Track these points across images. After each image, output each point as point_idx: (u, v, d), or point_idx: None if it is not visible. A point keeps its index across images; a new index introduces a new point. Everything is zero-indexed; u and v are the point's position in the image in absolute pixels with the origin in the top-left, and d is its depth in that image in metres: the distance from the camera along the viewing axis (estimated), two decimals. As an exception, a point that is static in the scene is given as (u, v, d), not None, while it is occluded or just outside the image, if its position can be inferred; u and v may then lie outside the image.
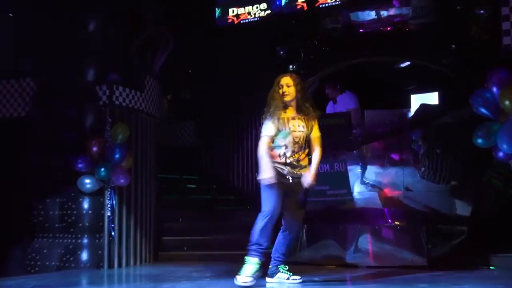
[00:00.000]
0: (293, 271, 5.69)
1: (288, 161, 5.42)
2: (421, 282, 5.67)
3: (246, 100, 9.86)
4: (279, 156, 5.43)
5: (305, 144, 5.49)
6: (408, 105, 9.58)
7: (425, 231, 6.99)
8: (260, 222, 5.40)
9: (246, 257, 5.46)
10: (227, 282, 5.75)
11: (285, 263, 5.66)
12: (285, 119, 5.47)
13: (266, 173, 5.33)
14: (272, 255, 5.65)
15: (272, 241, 5.58)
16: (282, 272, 5.62)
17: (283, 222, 5.61)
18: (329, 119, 7.82)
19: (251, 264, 5.41)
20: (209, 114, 10.91)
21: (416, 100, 9.56)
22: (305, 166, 5.49)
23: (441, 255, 7.02)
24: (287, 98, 5.50)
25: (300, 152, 5.46)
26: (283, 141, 5.43)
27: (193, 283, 5.84)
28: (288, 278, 5.59)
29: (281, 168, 5.42)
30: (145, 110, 7.86)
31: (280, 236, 5.65)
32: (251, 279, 5.36)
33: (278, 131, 5.42)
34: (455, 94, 8.29)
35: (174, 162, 10.52)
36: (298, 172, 5.45)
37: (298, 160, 5.44)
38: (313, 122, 5.55)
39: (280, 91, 5.51)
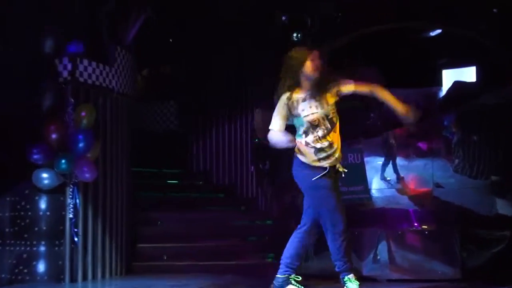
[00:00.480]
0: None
1: (318, 146, 5.43)
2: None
3: (241, 75, 9.84)
4: (307, 144, 5.45)
5: (332, 124, 5.54)
6: (438, 82, 9.57)
7: (459, 237, 7.00)
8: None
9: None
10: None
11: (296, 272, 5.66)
12: (294, 102, 5.47)
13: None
14: (281, 262, 5.63)
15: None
16: (294, 285, 5.59)
17: (310, 219, 5.59)
18: (341, 101, 7.79)
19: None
20: (194, 93, 10.88)
21: (449, 77, 9.53)
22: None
23: (478, 265, 7.03)
24: (310, 76, 5.50)
25: (331, 134, 5.52)
26: (302, 129, 5.48)
27: (175, 300, 5.84)
28: None
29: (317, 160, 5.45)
30: (115, 88, 7.83)
31: (301, 235, 5.63)
32: None
33: (293, 116, 5.45)
34: (497, 69, 8.27)
35: (152, 152, 10.51)
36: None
37: (331, 144, 5.46)
38: (334, 90, 5.58)
39: (312, 65, 5.49)
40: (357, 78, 8.62)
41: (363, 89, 5.57)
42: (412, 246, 7.08)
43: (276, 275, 5.59)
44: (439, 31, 9.71)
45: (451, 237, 7.01)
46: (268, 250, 8.48)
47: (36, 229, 7.29)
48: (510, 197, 7.35)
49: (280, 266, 5.61)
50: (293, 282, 5.62)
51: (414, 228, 7.18)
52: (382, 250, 7.08)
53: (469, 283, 6.59)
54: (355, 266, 7.06)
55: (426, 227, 7.18)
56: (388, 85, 8.00)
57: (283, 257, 5.61)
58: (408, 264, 7.01)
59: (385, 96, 5.53)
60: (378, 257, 7.09)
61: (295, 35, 9.36)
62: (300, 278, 5.66)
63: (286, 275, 5.58)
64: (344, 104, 7.83)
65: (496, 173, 7.33)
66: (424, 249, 7.05)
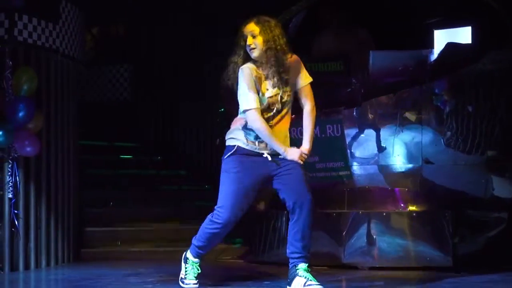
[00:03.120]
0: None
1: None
2: (444, 288, 5.80)
3: (204, 35, 9.83)
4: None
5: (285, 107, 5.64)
6: (429, 44, 9.59)
7: (451, 219, 7.10)
8: None
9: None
10: (177, 289, 5.81)
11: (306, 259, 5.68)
12: (257, 79, 5.54)
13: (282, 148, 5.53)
14: (288, 254, 5.67)
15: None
16: (301, 276, 5.62)
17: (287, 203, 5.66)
18: (320, 64, 7.83)
19: None
20: (150, 55, 10.86)
21: (441, 38, 9.57)
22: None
23: (472, 251, 7.14)
24: (254, 54, 5.54)
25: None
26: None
27: (130, 291, 5.89)
28: (305, 284, 5.59)
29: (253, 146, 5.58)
30: (60, 49, 7.79)
31: (290, 224, 5.70)
32: None
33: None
34: (496, 29, 8.33)
35: (102, 123, 10.51)
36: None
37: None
38: (296, 70, 5.61)
39: (244, 43, 5.56)
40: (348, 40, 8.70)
41: (305, 99, 5.65)
42: (397, 230, 7.17)
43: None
44: (430, -15, 9.74)
45: (441, 220, 7.11)
46: (235, 235, 8.54)
47: (-31, 211, 7.29)
48: (508, 175, 7.45)
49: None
50: (299, 273, 5.58)
51: (400, 209, 7.27)
52: (364, 234, 7.17)
53: (460, 271, 6.70)
54: (334, 253, 7.20)
55: (413, 208, 7.27)
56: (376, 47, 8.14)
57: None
58: (393, 250, 7.11)
59: (308, 126, 5.66)
60: (360, 243, 7.17)
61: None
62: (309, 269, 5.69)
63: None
64: (322, 68, 7.89)
65: (493, 148, 7.40)
66: (411, 233, 7.15)
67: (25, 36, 7.41)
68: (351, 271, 6.94)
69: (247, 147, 5.55)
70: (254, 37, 5.52)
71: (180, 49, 10.47)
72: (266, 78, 5.55)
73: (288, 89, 5.57)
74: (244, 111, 5.51)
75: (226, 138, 5.68)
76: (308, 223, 5.54)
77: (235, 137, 5.60)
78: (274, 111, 5.55)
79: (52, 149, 7.75)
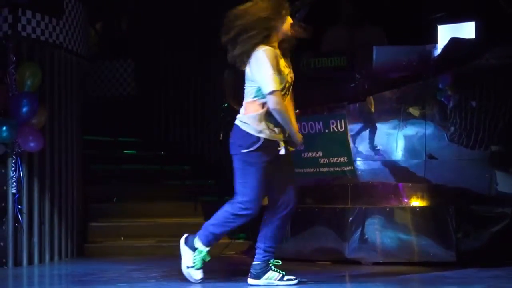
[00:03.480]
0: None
1: None
2: (447, 283, 5.78)
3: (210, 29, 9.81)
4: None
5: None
6: (433, 39, 9.58)
7: (454, 215, 7.10)
8: None
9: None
10: (181, 284, 5.79)
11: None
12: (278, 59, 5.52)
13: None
14: (258, 246, 5.69)
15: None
16: (274, 270, 5.65)
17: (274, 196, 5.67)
18: (324, 58, 7.82)
19: None
20: (153, 51, 10.86)
21: (445, 33, 9.55)
22: None
23: (476, 247, 7.15)
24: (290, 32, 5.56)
25: None
26: None
27: (133, 286, 5.87)
28: (282, 279, 5.62)
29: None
30: (64, 44, 7.79)
31: (268, 217, 5.70)
32: None
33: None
34: (501, 24, 8.31)
35: (106, 118, 10.52)
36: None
37: None
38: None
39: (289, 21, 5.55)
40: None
41: None
42: (401, 225, 7.18)
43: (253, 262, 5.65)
44: (434, -20, 9.73)
45: (445, 215, 7.11)
46: (239, 230, 8.53)
47: (-27, 206, 7.30)
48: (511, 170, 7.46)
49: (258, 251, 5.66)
50: (273, 267, 5.67)
51: (403, 204, 7.27)
52: (368, 229, 7.17)
53: (464, 266, 6.69)
54: (337, 248, 7.20)
55: (417, 203, 7.27)
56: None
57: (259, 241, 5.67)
58: (396, 246, 7.12)
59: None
60: (363, 238, 7.18)
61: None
62: (280, 262, 5.71)
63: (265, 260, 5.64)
64: (326, 63, 7.88)
65: (497, 143, 7.41)
66: (414, 228, 7.15)
67: (29, 31, 7.42)
68: (355, 266, 6.94)
69: (270, 138, 5.47)
70: (288, 17, 5.55)
71: (183, 44, 10.46)
72: (282, 56, 5.54)
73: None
74: (270, 93, 5.37)
75: (242, 123, 5.49)
76: (287, 223, 5.77)
77: (259, 128, 5.44)
78: (285, 91, 5.51)
79: (56, 144, 7.75)
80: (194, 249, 5.71)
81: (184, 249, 5.76)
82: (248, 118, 5.46)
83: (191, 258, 5.70)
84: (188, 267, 5.72)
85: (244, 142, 5.47)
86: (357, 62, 7.96)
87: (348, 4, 8.92)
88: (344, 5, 8.89)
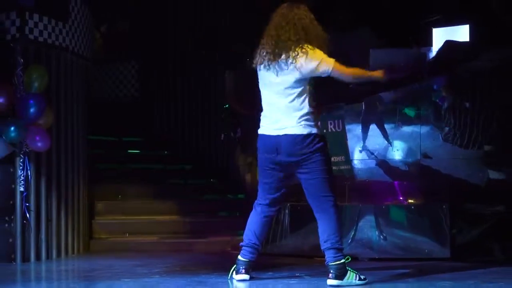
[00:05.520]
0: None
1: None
2: (442, 279, 5.81)
3: (211, 33, 9.85)
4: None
5: None
6: (428, 42, 9.61)
7: (449, 212, 7.13)
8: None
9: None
10: (183, 279, 5.83)
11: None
12: None
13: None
14: (251, 242, 5.74)
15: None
16: (351, 270, 5.65)
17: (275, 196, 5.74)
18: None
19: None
20: (156, 53, 10.87)
21: (440, 36, 9.58)
22: None
23: (469, 243, 7.18)
24: None
25: None
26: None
27: (138, 281, 5.91)
28: (359, 278, 5.62)
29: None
30: (70, 47, 7.80)
31: (263, 215, 5.78)
32: None
33: None
34: (493, 27, 8.34)
35: (111, 119, 10.53)
36: None
37: None
38: None
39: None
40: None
41: None
42: (397, 222, 7.20)
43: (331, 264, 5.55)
44: (429, -15, 9.74)
45: (439, 213, 7.14)
46: (239, 226, 8.56)
47: (-18, 204, 7.33)
48: (504, 169, 7.47)
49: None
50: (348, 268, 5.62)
51: (399, 202, 7.30)
52: (365, 226, 7.20)
53: (458, 262, 6.73)
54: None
55: (412, 201, 7.30)
56: (373, 44, 8.15)
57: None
58: (392, 242, 7.15)
59: None
60: (360, 235, 7.20)
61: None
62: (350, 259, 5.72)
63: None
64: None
65: (490, 143, 7.43)
66: (410, 225, 7.18)
67: (36, 34, 7.43)
68: (352, 262, 6.93)
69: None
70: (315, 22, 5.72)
71: (186, 47, 10.47)
72: None
73: None
74: (332, 69, 5.54)
75: (312, 128, 5.50)
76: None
77: (319, 127, 5.63)
78: None
79: (62, 144, 7.77)
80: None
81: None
82: (312, 120, 5.55)
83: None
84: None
85: (323, 142, 5.60)
86: (353, 64, 7.99)
87: (340, 8, 8.94)
88: (335, 10, 8.90)
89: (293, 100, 5.48)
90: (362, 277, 5.50)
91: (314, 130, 5.48)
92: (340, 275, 5.42)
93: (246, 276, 5.68)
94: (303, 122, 5.46)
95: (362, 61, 8.00)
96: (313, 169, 5.49)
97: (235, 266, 5.73)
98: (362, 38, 8.69)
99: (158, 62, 10.91)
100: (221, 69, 9.59)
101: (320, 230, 5.56)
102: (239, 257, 5.73)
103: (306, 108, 5.49)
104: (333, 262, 5.43)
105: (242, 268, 5.69)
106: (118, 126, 10.59)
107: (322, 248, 5.51)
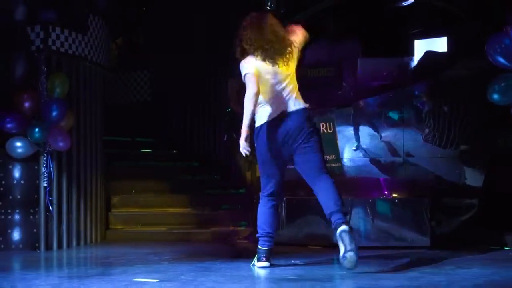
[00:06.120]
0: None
1: None
2: (422, 265, 5.81)
3: (214, 44, 9.84)
4: None
5: None
6: (410, 52, 9.61)
7: (429, 205, 7.13)
8: None
9: None
10: (190, 266, 5.84)
11: None
12: None
13: None
14: (265, 232, 5.72)
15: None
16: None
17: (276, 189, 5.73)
18: (312, 69, 7.87)
19: None
20: (167, 62, 10.87)
21: (420, 47, 9.57)
22: None
23: (447, 233, 7.19)
24: None
25: None
26: None
27: (149, 267, 5.91)
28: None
29: None
30: (88, 57, 7.82)
31: (269, 205, 5.76)
32: None
33: None
34: (468, 39, 8.34)
35: (125, 121, 10.53)
36: None
37: None
38: None
39: None
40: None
41: None
42: (382, 214, 7.19)
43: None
44: (411, 1, 9.74)
45: (420, 206, 7.14)
46: (240, 218, 8.59)
47: (10, 197, 7.34)
48: (478, 167, 7.48)
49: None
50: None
51: (384, 196, 7.30)
52: (353, 218, 7.17)
53: (437, 249, 6.73)
54: (326, 234, 7.23)
55: (396, 195, 7.30)
56: (361, 54, 8.16)
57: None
58: (378, 232, 7.15)
59: None
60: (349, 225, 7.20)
61: (269, 3, 9.35)
62: None
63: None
64: (314, 73, 7.93)
65: (466, 143, 7.43)
66: (394, 217, 7.18)
67: (58, 45, 7.45)
68: (342, 250, 6.97)
69: None
70: None
71: (194, 56, 10.47)
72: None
73: None
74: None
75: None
76: None
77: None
78: None
79: (82, 144, 7.78)
80: None
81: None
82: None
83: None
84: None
85: None
86: (343, 72, 8.01)
87: (332, 21, 8.95)
88: (328, 22, 8.91)
89: None
90: None
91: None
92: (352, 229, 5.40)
93: (267, 264, 5.68)
94: None
95: (353, 69, 8.05)
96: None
97: (256, 255, 5.73)
98: (352, 48, 8.71)
99: (168, 71, 10.90)
100: (224, 76, 9.60)
101: (325, 199, 5.55)
102: (259, 246, 5.72)
103: None
104: (342, 221, 5.38)
105: (263, 256, 5.69)
106: (132, 128, 10.59)
107: (329, 211, 5.48)
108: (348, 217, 5.49)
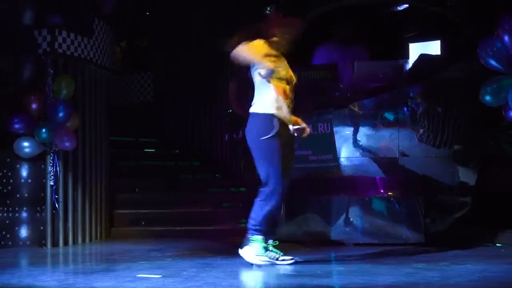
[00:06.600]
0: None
1: None
2: (417, 261, 5.82)
3: (215, 47, 9.84)
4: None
5: None
6: (405, 55, 9.62)
7: (423, 203, 7.13)
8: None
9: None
10: (192, 262, 5.84)
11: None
12: None
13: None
14: (265, 229, 5.75)
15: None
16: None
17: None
18: (313, 71, 7.87)
19: None
20: (169, 64, 10.87)
21: (415, 50, 9.60)
22: None
23: (441, 230, 7.18)
24: None
25: None
26: None
27: (152, 263, 5.92)
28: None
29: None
30: (94, 60, 7.82)
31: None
32: None
33: None
34: (461, 43, 8.36)
35: (129, 122, 10.53)
36: None
37: None
38: None
39: None
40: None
41: None
42: (378, 212, 7.20)
43: None
44: (406, 5, 9.77)
45: (415, 204, 7.14)
46: (241, 216, 8.57)
47: (18, 196, 7.34)
48: (471, 166, 7.47)
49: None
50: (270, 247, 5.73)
51: (380, 195, 7.30)
52: (350, 216, 7.20)
53: (431, 246, 6.74)
54: (324, 231, 7.24)
55: (391, 194, 7.30)
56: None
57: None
58: (374, 229, 7.15)
59: None
60: (346, 222, 7.20)
61: (268, 8, 9.35)
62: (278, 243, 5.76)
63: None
64: (315, 75, 7.93)
65: (459, 143, 7.43)
66: (389, 214, 7.18)
67: (64, 48, 7.45)
68: (339, 246, 6.98)
69: None
70: None
71: (194, 59, 10.47)
72: None
73: None
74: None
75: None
76: None
77: None
78: None
79: (87, 144, 7.79)
80: None
81: None
82: None
83: None
84: None
85: None
86: (341, 74, 8.02)
87: (343, 25, 9.02)
88: (339, 26, 8.98)
89: None
90: None
91: None
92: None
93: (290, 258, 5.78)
94: None
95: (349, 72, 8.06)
96: None
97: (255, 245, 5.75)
98: (359, 50, 8.77)
99: (170, 73, 10.90)
100: (225, 78, 9.61)
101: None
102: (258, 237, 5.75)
103: None
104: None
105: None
106: (135, 128, 10.58)
107: None
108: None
